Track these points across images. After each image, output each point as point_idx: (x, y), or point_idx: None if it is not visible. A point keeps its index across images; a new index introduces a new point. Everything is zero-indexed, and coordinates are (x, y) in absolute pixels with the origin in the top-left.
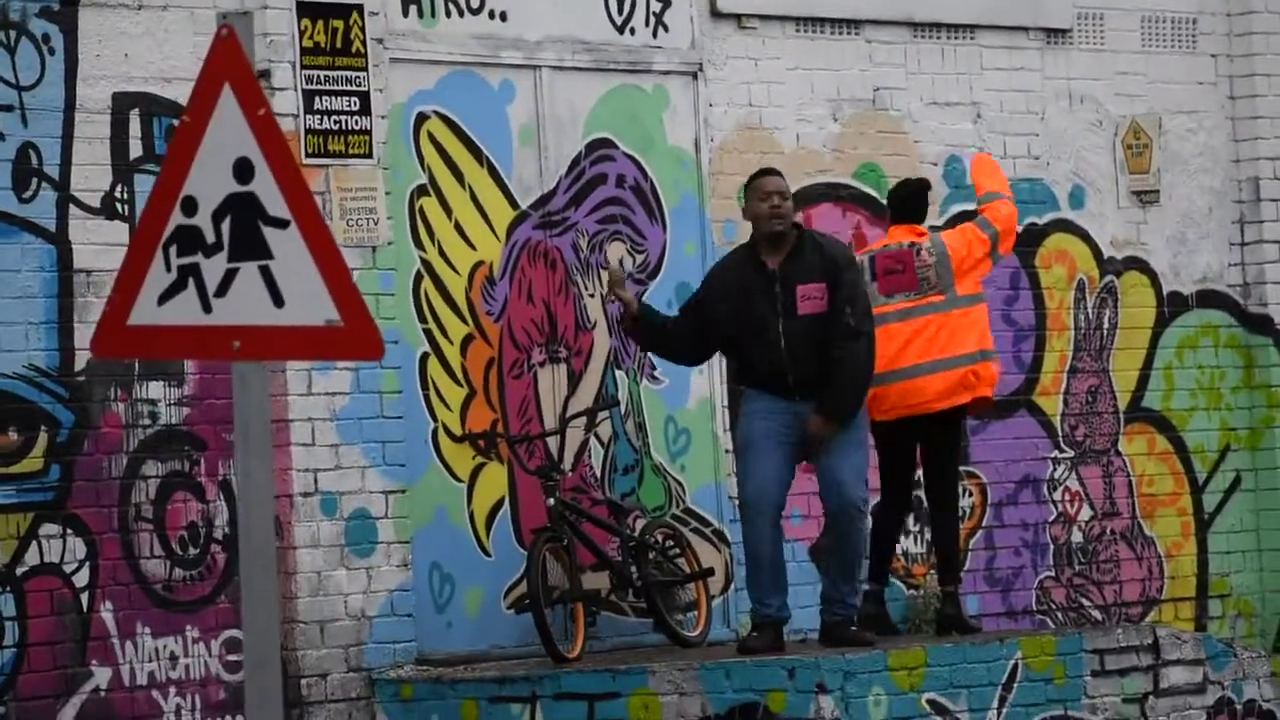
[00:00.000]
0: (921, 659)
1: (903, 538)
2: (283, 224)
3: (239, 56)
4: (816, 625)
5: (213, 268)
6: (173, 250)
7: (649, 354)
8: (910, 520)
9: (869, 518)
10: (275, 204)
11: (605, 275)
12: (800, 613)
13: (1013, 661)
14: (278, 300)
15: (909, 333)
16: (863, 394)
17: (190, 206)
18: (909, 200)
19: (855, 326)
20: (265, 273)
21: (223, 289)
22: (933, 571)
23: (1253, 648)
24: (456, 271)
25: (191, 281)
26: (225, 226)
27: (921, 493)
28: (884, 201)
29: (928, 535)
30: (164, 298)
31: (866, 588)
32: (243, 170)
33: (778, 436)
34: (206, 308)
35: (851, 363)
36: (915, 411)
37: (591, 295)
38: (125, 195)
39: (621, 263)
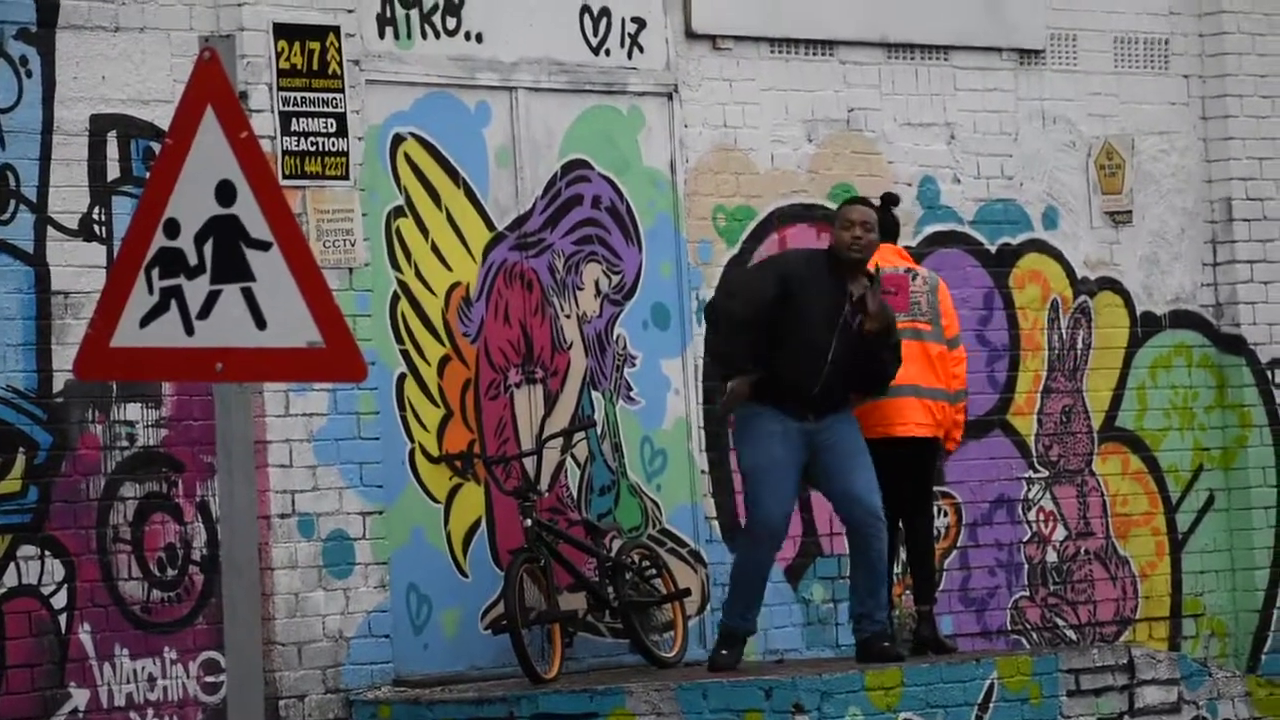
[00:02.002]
0: (898, 679)
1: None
2: (265, 246)
3: (221, 79)
4: (798, 645)
5: (195, 290)
6: (155, 272)
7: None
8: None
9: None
10: (257, 226)
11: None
12: (778, 633)
13: (989, 681)
14: (260, 322)
15: None
16: (887, 379)
17: (173, 229)
18: (892, 222)
19: (894, 343)
20: (247, 295)
21: (205, 311)
22: (908, 592)
23: (1227, 667)
24: (433, 293)
25: (174, 303)
26: (207, 249)
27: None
28: None
29: (903, 555)
30: (146, 320)
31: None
32: (225, 193)
33: (793, 463)
34: (189, 330)
35: (886, 371)
36: (904, 433)
37: (568, 316)
38: (103, 217)
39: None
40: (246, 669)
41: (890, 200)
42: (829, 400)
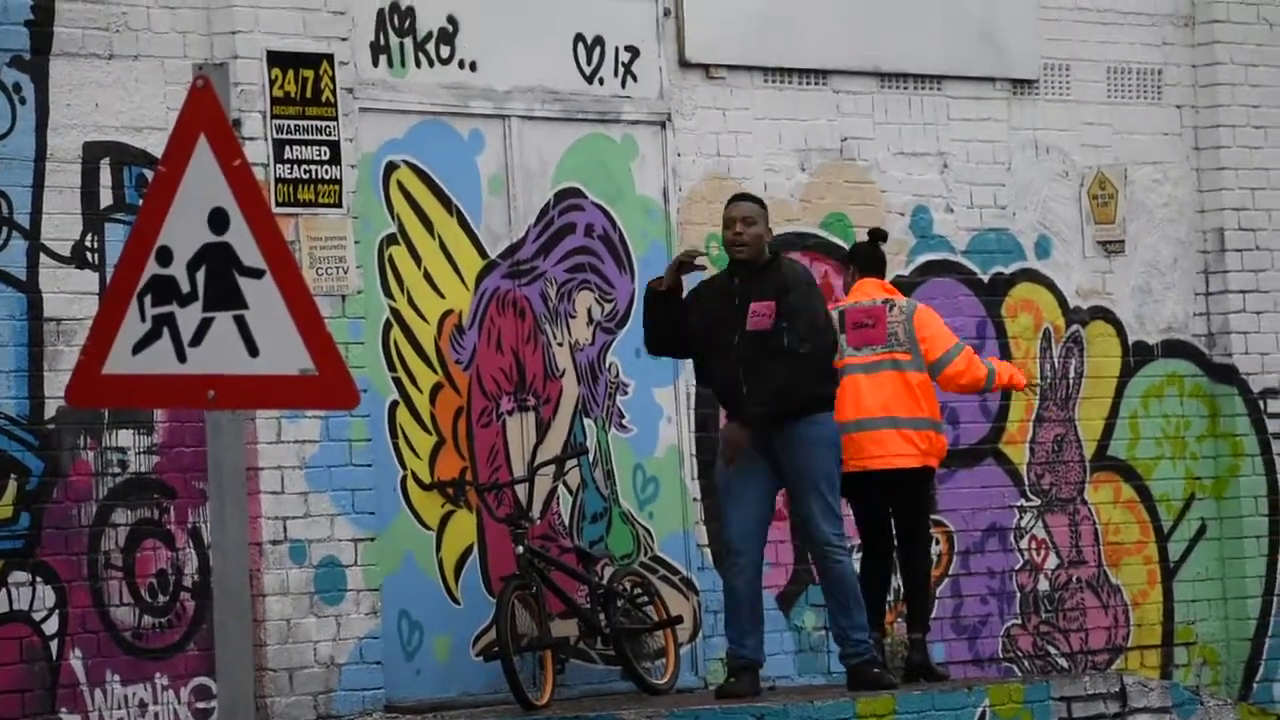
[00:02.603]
0: (890, 706)
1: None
2: (258, 274)
3: (215, 107)
4: (789, 672)
5: (187, 317)
6: (148, 300)
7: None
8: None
9: (847, 552)
10: (250, 254)
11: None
12: (770, 660)
13: (981, 709)
14: (252, 350)
15: (872, 386)
16: (785, 406)
17: (165, 256)
18: (879, 256)
19: (789, 344)
20: (240, 322)
21: (197, 338)
22: (901, 619)
23: (1218, 695)
24: (425, 320)
25: (166, 331)
26: (200, 276)
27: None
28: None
29: (897, 583)
30: (139, 347)
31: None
32: (218, 220)
33: (756, 479)
34: (181, 357)
35: (773, 377)
36: (880, 466)
37: (560, 344)
38: (95, 244)
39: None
40: (237, 695)
41: (878, 236)
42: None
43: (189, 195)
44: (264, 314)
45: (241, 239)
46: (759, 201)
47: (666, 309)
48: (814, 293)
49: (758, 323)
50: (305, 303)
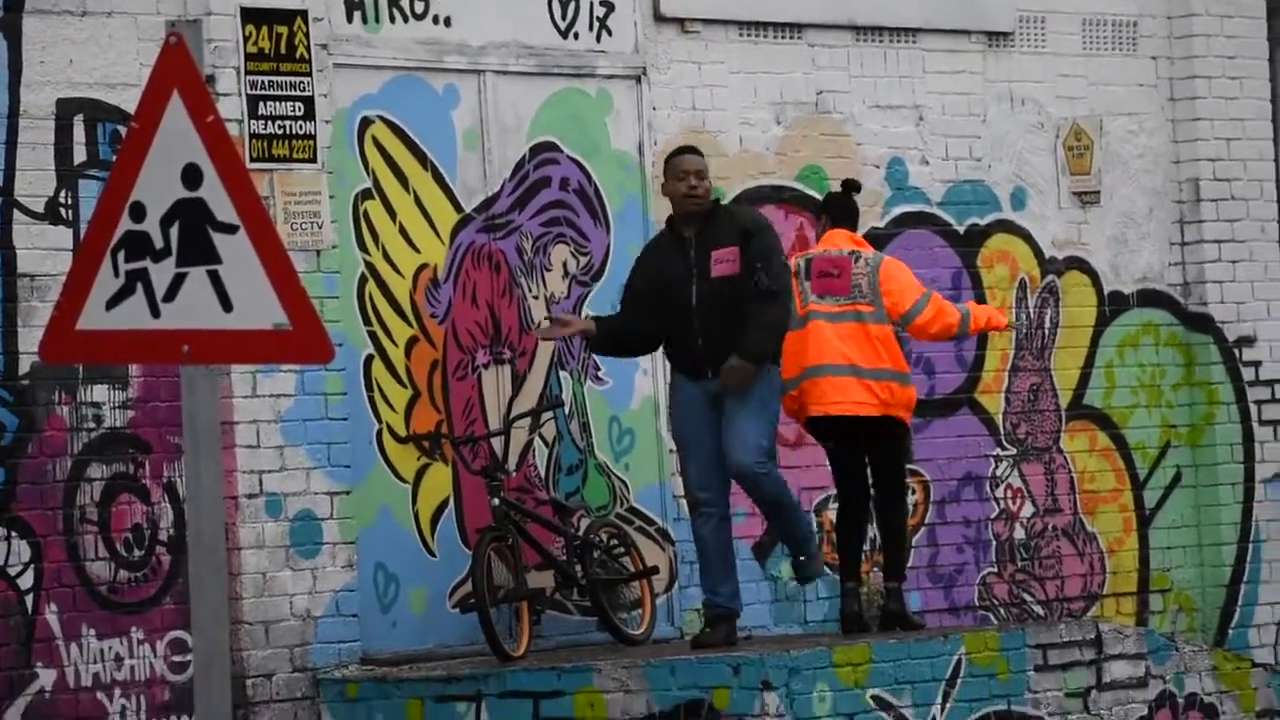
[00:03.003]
0: (866, 655)
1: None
2: (231, 229)
3: (188, 64)
4: (766, 622)
5: (161, 273)
6: (121, 255)
7: (621, 358)
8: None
9: (772, 478)
10: (224, 209)
11: (540, 333)
12: (746, 610)
13: (956, 657)
14: (226, 305)
15: (835, 335)
16: (774, 343)
17: (138, 212)
18: (851, 208)
19: (768, 285)
20: (214, 277)
21: (171, 294)
22: (877, 568)
23: (1194, 642)
24: (401, 274)
25: (140, 286)
26: (173, 232)
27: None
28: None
29: (873, 532)
30: (112, 303)
31: (848, 585)
32: (191, 176)
33: (707, 425)
34: (155, 312)
35: (764, 314)
36: (839, 411)
37: (535, 297)
38: (69, 201)
39: (538, 326)
40: (212, 648)
41: (851, 186)
42: (715, 348)
43: (162, 151)
44: (238, 269)
45: (215, 194)
46: (702, 154)
47: (610, 336)
48: (774, 233)
49: (723, 269)
50: (279, 258)
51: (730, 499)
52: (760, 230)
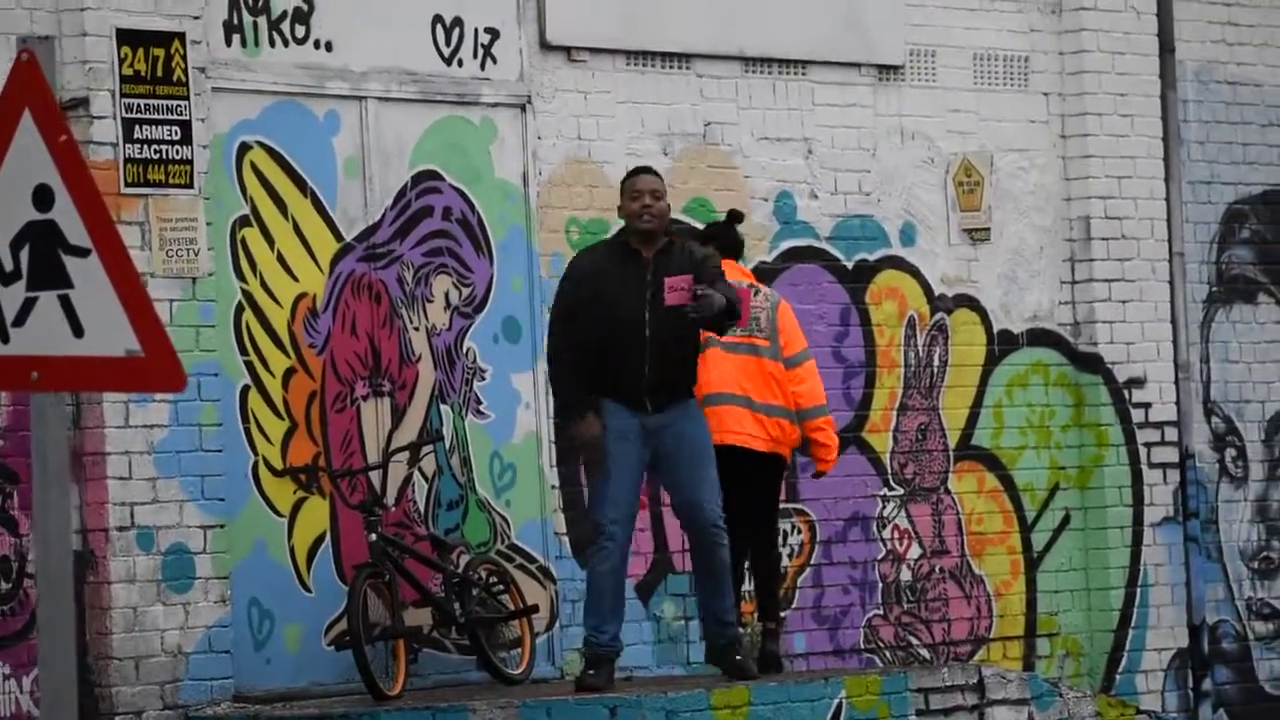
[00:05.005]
0: (745, 698)
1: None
2: (83, 252)
3: (40, 81)
4: (648, 663)
5: (10, 296)
6: None
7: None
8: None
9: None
10: (76, 232)
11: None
12: (628, 650)
13: (837, 700)
14: (77, 330)
15: (731, 365)
16: (731, 317)
17: None
18: (739, 239)
19: (727, 295)
20: (65, 302)
21: (21, 318)
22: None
23: (1079, 687)
24: (279, 303)
25: None
26: (24, 255)
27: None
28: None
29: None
30: None
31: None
32: (42, 197)
33: (631, 462)
34: (4, 338)
35: (722, 294)
36: (734, 442)
37: (417, 328)
38: None
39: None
40: (60, 689)
41: (735, 217)
42: (664, 385)
43: (12, 171)
44: (90, 294)
45: (67, 217)
46: (660, 175)
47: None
48: (718, 257)
49: (677, 297)
50: (132, 282)
51: (633, 538)
52: (708, 260)
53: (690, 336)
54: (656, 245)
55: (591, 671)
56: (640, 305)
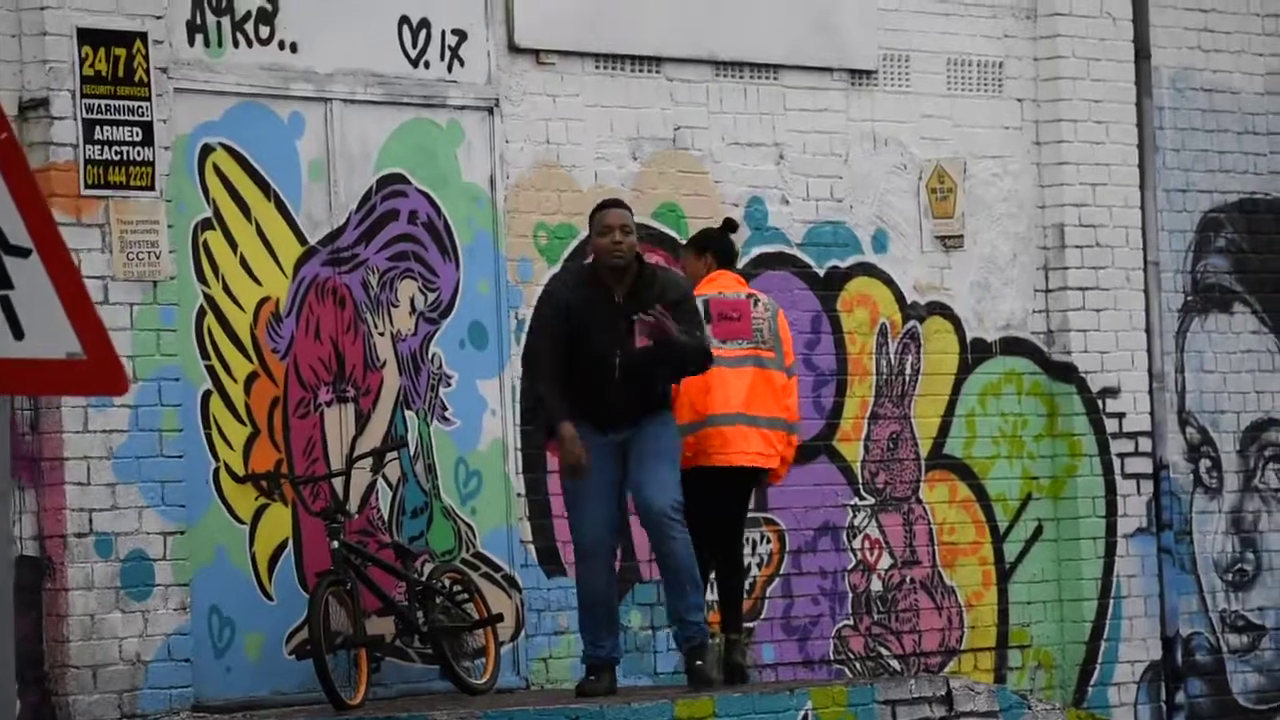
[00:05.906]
0: (709, 709)
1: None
2: (24, 253)
3: None
4: (617, 673)
5: None
6: None
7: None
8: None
9: (685, 529)
10: (16, 232)
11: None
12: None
13: (803, 712)
14: (17, 332)
15: (738, 381)
16: (691, 356)
17: None
18: (734, 248)
19: (698, 339)
20: (4, 303)
21: None
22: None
23: (1050, 699)
24: (241, 308)
25: None
26: None
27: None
28: (683, 241)
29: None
30: None
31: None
32: None
33: (607, 478)
34: None
35: (694, 340)
36: (743, 462)
37: (381, 333)
38: None
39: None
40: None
41: (729, 226)
42: (632, 409)
43: None
44: (30, 295)
45: (7, 216)
46: (628, 207)
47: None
48: (694, 301)
49: (646, 340)
50: (74, 283)
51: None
52: (685, 299)
53: (661, 372)
54: (628, 278)
55: (593, 678)
56: (613, 343)
